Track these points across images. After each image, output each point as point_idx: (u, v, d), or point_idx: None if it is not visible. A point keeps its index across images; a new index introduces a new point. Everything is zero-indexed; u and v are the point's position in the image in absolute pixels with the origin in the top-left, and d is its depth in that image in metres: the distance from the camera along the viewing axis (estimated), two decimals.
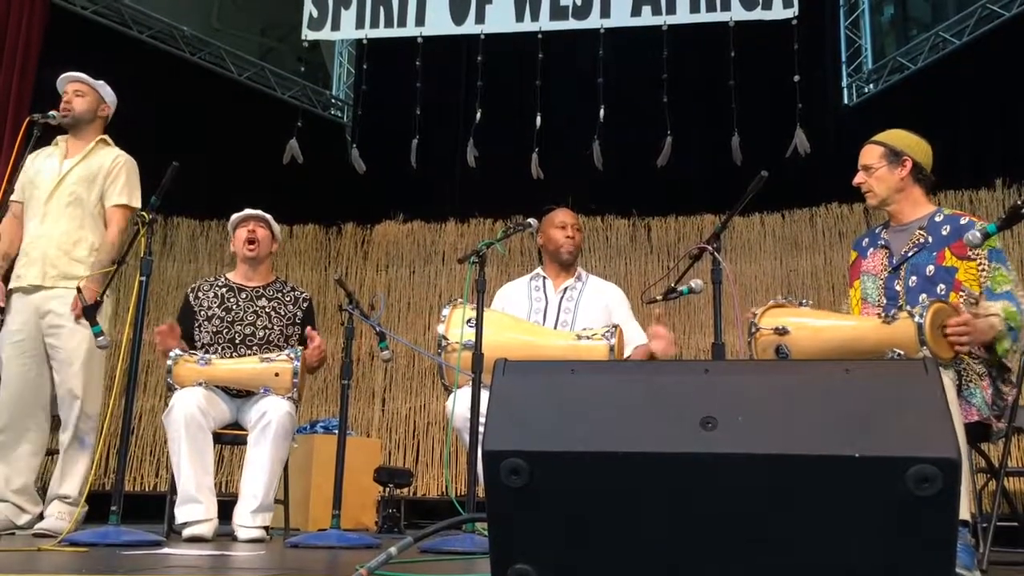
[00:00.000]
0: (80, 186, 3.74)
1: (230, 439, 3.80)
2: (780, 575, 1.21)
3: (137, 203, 3.81)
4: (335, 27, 6.62)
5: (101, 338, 3.20)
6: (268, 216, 4.02)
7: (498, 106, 6.55)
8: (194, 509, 3.38)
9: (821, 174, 6.38)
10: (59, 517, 3.49)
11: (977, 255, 2.65)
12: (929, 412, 1.18)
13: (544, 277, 3.80)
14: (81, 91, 3.87)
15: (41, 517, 3.57)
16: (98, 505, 3.45)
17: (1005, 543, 3.33)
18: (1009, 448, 2.75)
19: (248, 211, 4.01)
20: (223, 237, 6.71)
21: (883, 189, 2.85)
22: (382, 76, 7.00)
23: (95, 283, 3.57)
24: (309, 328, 3.84)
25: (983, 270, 2.65)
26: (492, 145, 6.47)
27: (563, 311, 3.67)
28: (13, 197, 3.86)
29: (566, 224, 3.75)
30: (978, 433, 2.61)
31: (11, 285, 3.74)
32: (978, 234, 2.33)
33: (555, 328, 3.61)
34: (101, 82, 3.93)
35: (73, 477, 3.59)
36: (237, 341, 3.81)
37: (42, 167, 3.80)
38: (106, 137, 3.91)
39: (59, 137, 3.88)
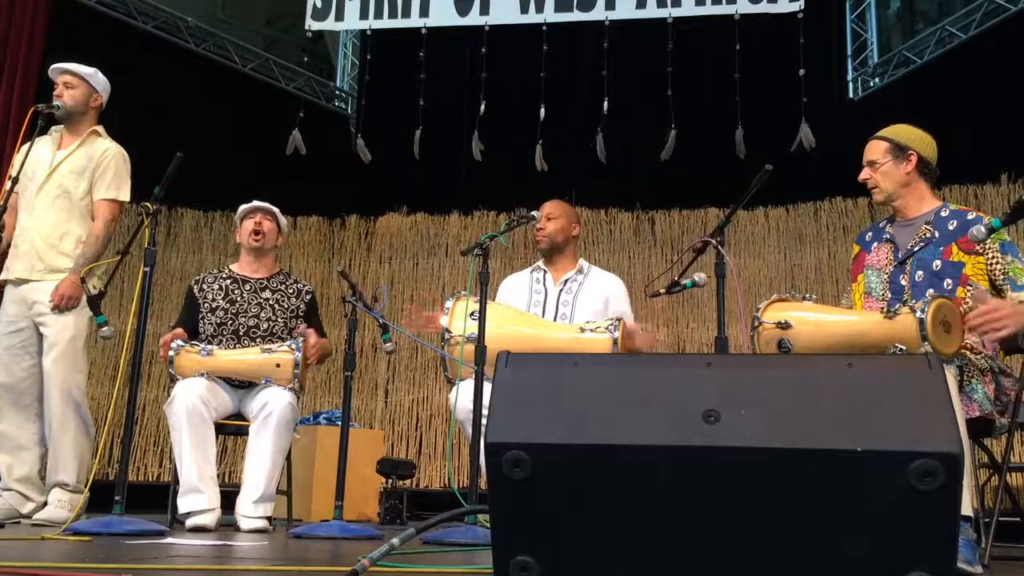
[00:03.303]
0: (68, 179, 3.71)
1: (232, 430, 3.81)
2: (781, 568, 1.21)
3: (125, 197, 3.77)
4: (339, 18, 6.61)
5: (106, 328, 3.21)
6: (276, 209, 4.01)
7: (502, 98, 6.53)
8: (197, 499, 3.39)
9: (825, 168, 6.35)
10: (59, 506, 3.50)
11: (987, 249, 2.65)
12: (931, 407, 1.18)
13: (544, 270, 3.80)
14: (71, 83, 3.81)
15: (45, 505, 3.58)
16: (102, 495, 3.46)
17: (1007, 538, 3.33)
18: (1012, 443, 2.75)
19: (256, 203, 4.00)
20: (227, 228, 6.71)
21: (889, 184, 2.85)
22: (386, 67, 6.98)
23: (96, 274, 3.57)
24: (303, 327, 3.82)
25: (996, 263, 2.64)
26: (496, 137, 6.45)
27: (562, 304, 3.67)
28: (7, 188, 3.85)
29: (542, 216, 3.76)
30: (981, 428, 2.61)
31: (2, 277, 3.75)
32: (983, 229, 2.32)
33: (554, 321, 3.61)
34: (92, 70, 3.86)
35: (66, 461, 3.58)
36: (241, 333, 3.82)
37: (37, 159, 3.76)
38: (98, 129, 3.85)
39: (54, 128, 3.83)
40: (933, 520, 1.15)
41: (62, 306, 3.56)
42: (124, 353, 3.12)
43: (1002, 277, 2.64)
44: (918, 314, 2.41)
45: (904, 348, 2.42)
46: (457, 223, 7.17)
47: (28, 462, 3.63)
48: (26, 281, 3.67)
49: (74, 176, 3.71)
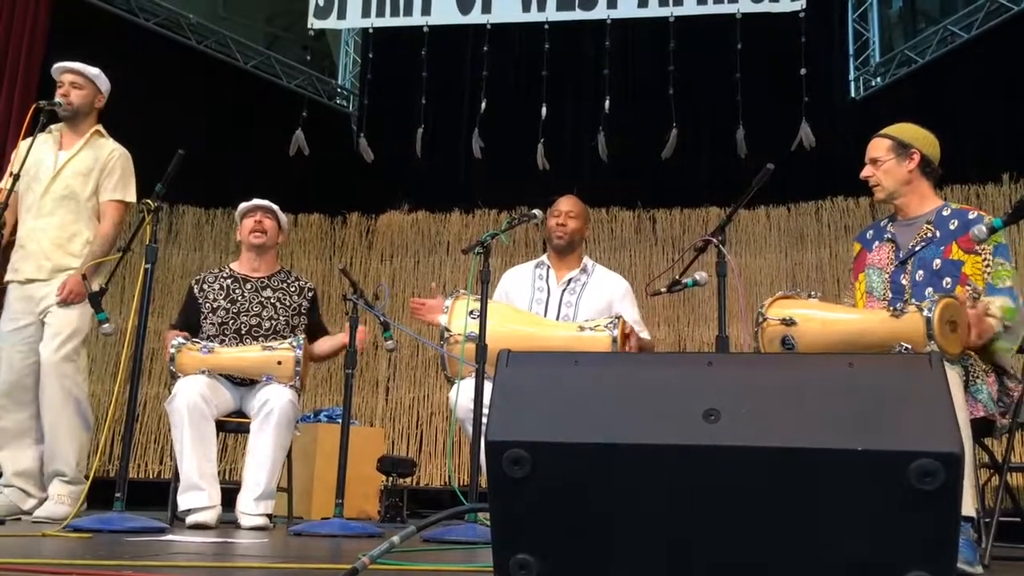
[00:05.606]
0: (75, 180, 3.74)
1: (233, 427, 3.81)
2: (781, 567, 1.21)
3: (132, 198, 3.82)
4: (341, 16, 6.59)
5: (107, 325, 3.21)
6: (276, 207, 4.01)
7: (504, 96, 6.53)
8: (197, 496, 3.39)
9: (827, 167, 6.35)
10: (58, 501, 3.50)
11: (983, 249, 2.64)
12: (932, 406, 1.18)
13: (548, 266, 3.80)
14: (78, 83, 3.82)
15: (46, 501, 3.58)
16: (102, 491, 3.46)
17: (1008, 538, 3.33)
18: (1013, 444, 2.75)
19: (256, 201, 3.99)
20: (228, 225, 6.71)
21: (891, 182, 2.84)
22: (388, 65, 6.98)
23: (98, 270, 3.58)
24: (360, 329, 3.65)
25: (987, 265, 2.64)
26: (498, 136, 6.45)
27: (564, 304, 3.67)
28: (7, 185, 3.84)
29: (560, 212, 3.77)
30: (982, 428, 2.61)
31: (8, 277, 3.77)
32: (984, 228, 2.31)
33: (556, 321, 3.61)
34: (96, 71, 3.88)
35: (63, 451, 3.57)
36: (243, 332, 3.82)
37: (40, 159, 3.75)
38: (100, 128, 3.87)
39: (53, 126, 3.82)
40: (933, 520, 1.15)
41: (67, 299, 3.58)
42: (125, 350, 3.12)
43: (988, 280, 2.63)
44: (925, 313, 2.41)
45: (910, 347, 2.42)
46: (458, 221, 7.17)
47: (29, 458, 3.64)
48: (34, 281, 3.69)
49: (80, 178, 3.74)
